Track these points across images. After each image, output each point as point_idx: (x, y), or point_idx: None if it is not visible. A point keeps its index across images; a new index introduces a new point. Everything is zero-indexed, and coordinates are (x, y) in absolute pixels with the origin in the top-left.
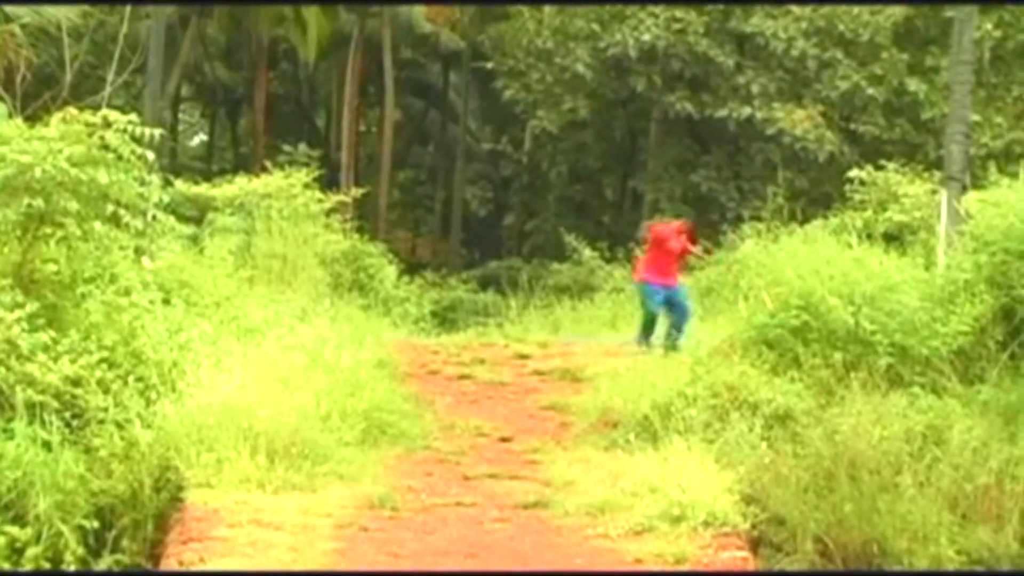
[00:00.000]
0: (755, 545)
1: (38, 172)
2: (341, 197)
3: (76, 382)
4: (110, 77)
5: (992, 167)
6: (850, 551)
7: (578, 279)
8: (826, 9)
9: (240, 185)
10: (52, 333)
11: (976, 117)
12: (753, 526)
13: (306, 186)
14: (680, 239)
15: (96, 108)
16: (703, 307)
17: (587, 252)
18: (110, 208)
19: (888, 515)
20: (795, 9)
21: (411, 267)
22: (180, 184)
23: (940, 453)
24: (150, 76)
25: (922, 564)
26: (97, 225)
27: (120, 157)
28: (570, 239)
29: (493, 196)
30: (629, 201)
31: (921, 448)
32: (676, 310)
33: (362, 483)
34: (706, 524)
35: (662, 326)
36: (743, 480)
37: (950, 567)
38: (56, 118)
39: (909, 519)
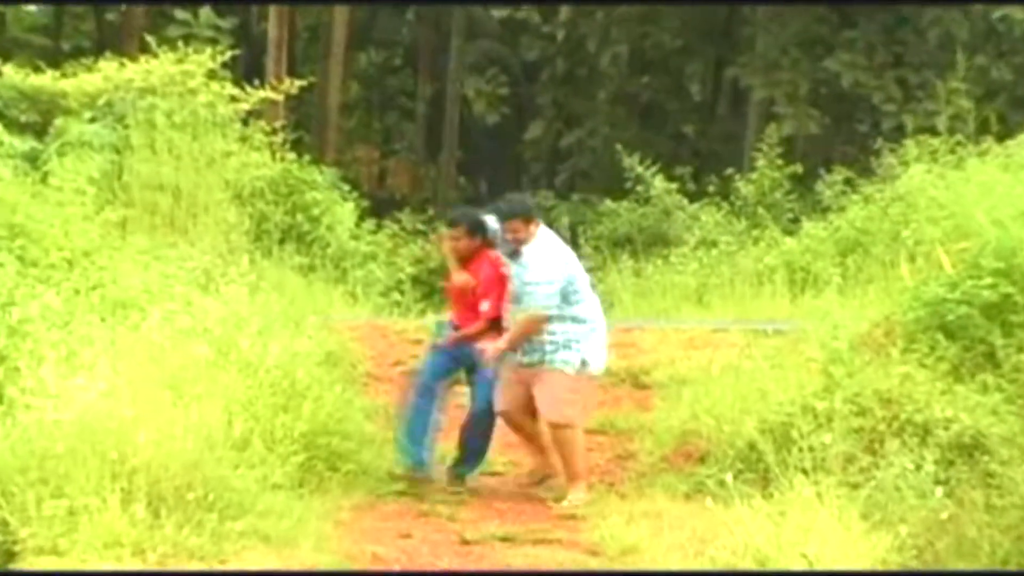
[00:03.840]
0: None
1: None
2: (267, 94)
3: None
4: None
5: None
6: None
7: (645, 226)
8: None
9: (106, 74)
10: None
11: None
12: None
13: (211, 76)
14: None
15: None
16: (842, 270)
17: (659, 183)
18: None
19: None
20: None
21: (379, 206)
22: (10, 72)
23: None
24: None
25: None
26: None
27: None
28: (632, 161)
29: (510, 94)
30: (726, 102)
31: None
32: None
33: (299, 548)
34: None
35: None
36: (905, 547)
37: None
38: None
39: None
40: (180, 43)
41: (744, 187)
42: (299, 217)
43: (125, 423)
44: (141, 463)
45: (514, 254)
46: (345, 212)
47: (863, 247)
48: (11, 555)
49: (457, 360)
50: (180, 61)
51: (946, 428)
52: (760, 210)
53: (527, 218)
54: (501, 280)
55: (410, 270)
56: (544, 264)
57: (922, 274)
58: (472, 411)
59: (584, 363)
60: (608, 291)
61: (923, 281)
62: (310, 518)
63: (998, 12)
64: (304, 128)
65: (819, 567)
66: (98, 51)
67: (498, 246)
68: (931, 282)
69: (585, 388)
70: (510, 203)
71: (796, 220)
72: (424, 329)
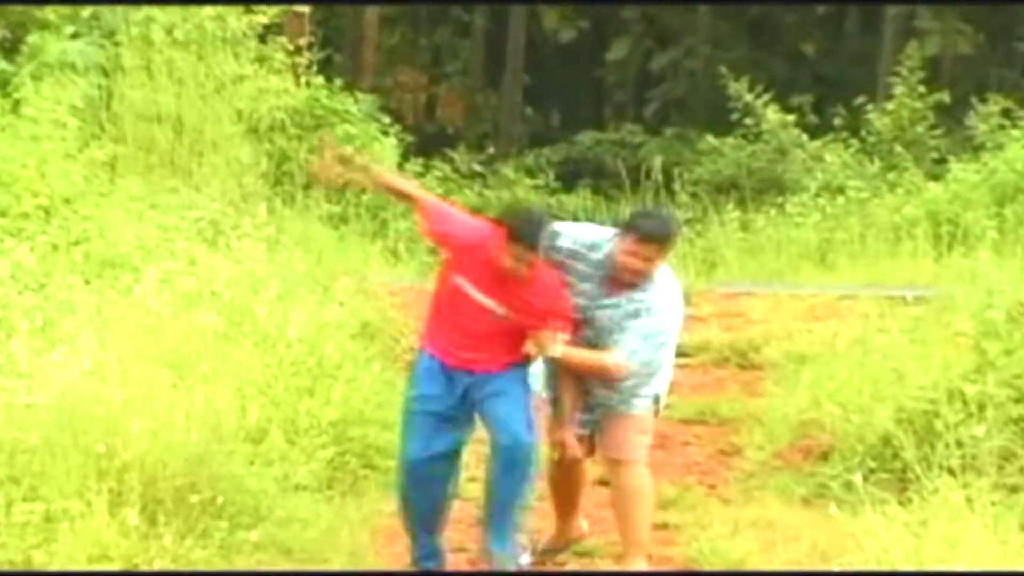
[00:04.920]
0: None
1: None
2: (290, 4)
3: None
4: None
5: None
6: None
7: (755, 168)
8: None
9: None
10: None
11: None
12: None
13: None
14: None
15: None
16: (999, 223)
17: (772, 115)
18: None
19: None
20: None
21: (427, 142)
22: None
23: None
24: None
25: None
26: None
27: None
28: (739, 88)
29: (588, 5)
30: (856, 14)
31: None
32: None
33: (328, 564)
34: None
35: None
36: None
37: None
38: None
39: None
40: None
41: (878, 120)
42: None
43: (114, 409)
44: (134, 458)
45: (622, 285)
46: (385, 150)
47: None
48: None
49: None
50: None
51: None
52: (898, 149)
53: (668, 246)
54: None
55: None
56: (668, 314)
57: None
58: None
59: (658, 398)
60: (709, 248)
61: None
62: (342, 526)
63: None
64: (335, 47)
65: None
66: None
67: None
68: None
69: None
70: (653, 219)
71: (942, 161)
72: None
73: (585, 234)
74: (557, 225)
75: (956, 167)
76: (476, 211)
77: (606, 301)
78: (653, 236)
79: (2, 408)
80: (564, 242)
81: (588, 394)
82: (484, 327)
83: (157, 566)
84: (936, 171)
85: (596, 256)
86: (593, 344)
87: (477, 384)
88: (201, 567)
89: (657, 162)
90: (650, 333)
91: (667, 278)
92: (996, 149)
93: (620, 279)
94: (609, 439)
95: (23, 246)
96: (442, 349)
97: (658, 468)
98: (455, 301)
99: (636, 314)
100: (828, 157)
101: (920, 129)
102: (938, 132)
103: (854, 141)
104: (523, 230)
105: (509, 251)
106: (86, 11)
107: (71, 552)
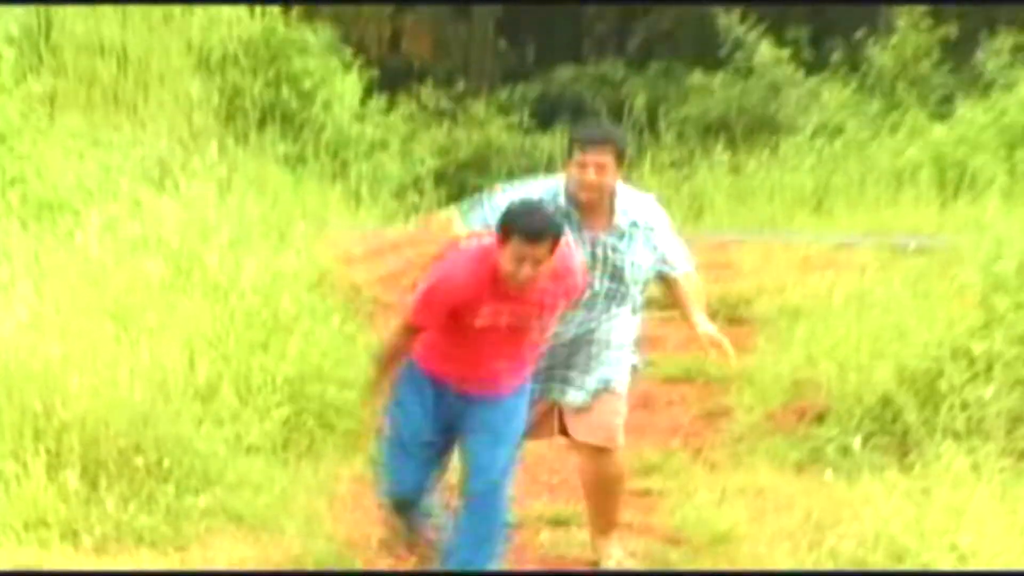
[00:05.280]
0: None
1: None
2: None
3: None
4: None
5: None
6: None
7: (746, 106)
8: None
9: None
10: None
11: None
12: None
13: None
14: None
15: None
16: (1009, 167)
17: (765, 49)
18: None
19: None
20: None
21: (392, 77)
22: None
23: None
24: None
25: None
26: None
27: None
28: (729, 20)
29: None
30: None
31: None
32: None
33: (282, 532)
34: None
35: None
36: None
37: None
38: None
39: None
40: None
41: (879, 56)
42: (285, 91)
43: (53, 364)
44: (74, 417)
45: (591, 211)
46: (346, 85)
47: None
48: None
49: None
50: None
51: None
52: (900, 87)
53: (614, 149)
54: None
55: (432, 163)
56: (660, 212)
57: None
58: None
59: (635, 368)
60: (696, 193)
61: None
62: (297, 491)
63: None
64: None
65: (975, 564)
66: None
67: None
68: None
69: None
70: (592, 126)
71: (948, 100)
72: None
73: (535, 189)
74: (501, 195)
75: (963, 107)
76: (444, 151)
77: (588, 238)
78: (594, 139)
79: None
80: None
81: (554, 367)
82: (497, 349)
83: (98, 533)
84: (942, 111)
85: (558, 204)
86: (612, 296)
87: (473, 410)
88: (146, 535)
89: (640, 100)
90: (655, 245)
91: (644, 199)
92: (1006, 88)
93: (586, 204)
94: (593, 423)
95: None
96: (443, 374)
97: (640, 431)
98: (461, 338)
99: (631, 236)
100: (825, 95)
101: (925, 66)
102: (944, 69)
103: (853, 78)
104: (524, 224)
105: (510, 253)
106: None
107: (6, 517)
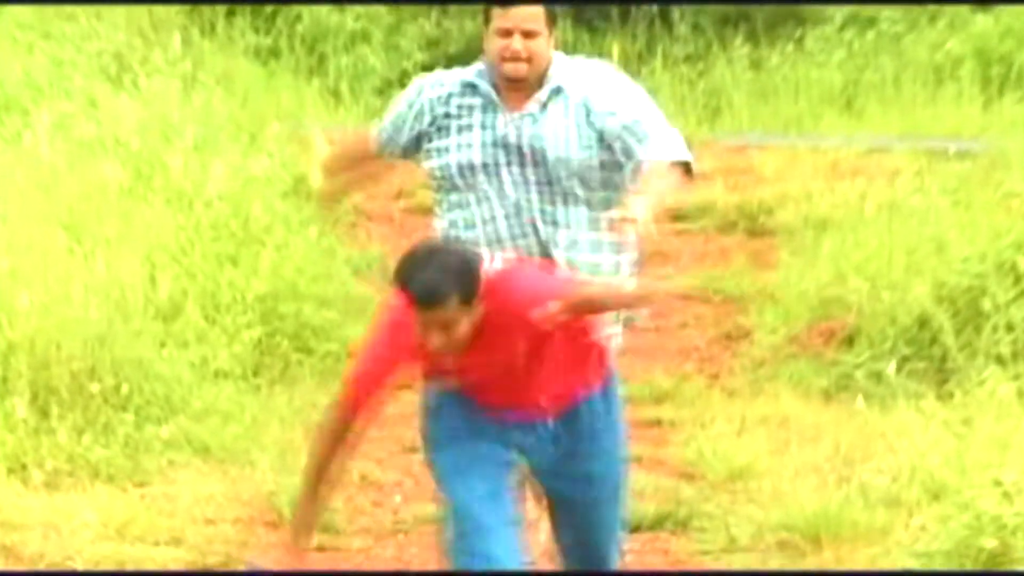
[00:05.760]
0: None
1: None
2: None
3: None
4: None
5: None
6: None
7: None
8: None
9: None
10: None
11: None
12: None
13: None
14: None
15: None
16: None
17: None
18: None
19: None
20: None
21: None
22: None
23: None
24: None
25: None
26: None
27: None
28: None
29: None
30: None
31: None
32: None
33: (252, 466)
34: None
35: None
36: None
37: None
38: None
39: None
40: None
41: None
42: None
43: (0, 279)
44: (22, 338)
45: (518, 88)
46: None
47: None
48: None
49: None
50: None
51: None
52: None
53: (552, 13)
54: None
55: (420, 56)
56: (618, 78)
57: None
58: None
59: (630, 321)
60: (713, 91)
61: None
62: (269, 420)
63: None
64: None
65: (1021, 502)
66: None
67: None
68: None
69: None
70: None
71: None
72: None
73: (448, 80)
74: (420, 79)
75: None
76: (433, 43)
77: (501, 123)
78: None
79: None
80: (434, 91)
81: None
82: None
83: (49, 466)
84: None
85: (482, 89)
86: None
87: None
88: (102, 468)
89: None
90: (595, 119)
91: (589, 64)
92: None
93: (511, 82)
94: None
95: None
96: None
97: (651, 355)
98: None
99: (551, 105)
100: None
101: None
102: None
103: None
104: (411, 287)
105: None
106: None
107: None
